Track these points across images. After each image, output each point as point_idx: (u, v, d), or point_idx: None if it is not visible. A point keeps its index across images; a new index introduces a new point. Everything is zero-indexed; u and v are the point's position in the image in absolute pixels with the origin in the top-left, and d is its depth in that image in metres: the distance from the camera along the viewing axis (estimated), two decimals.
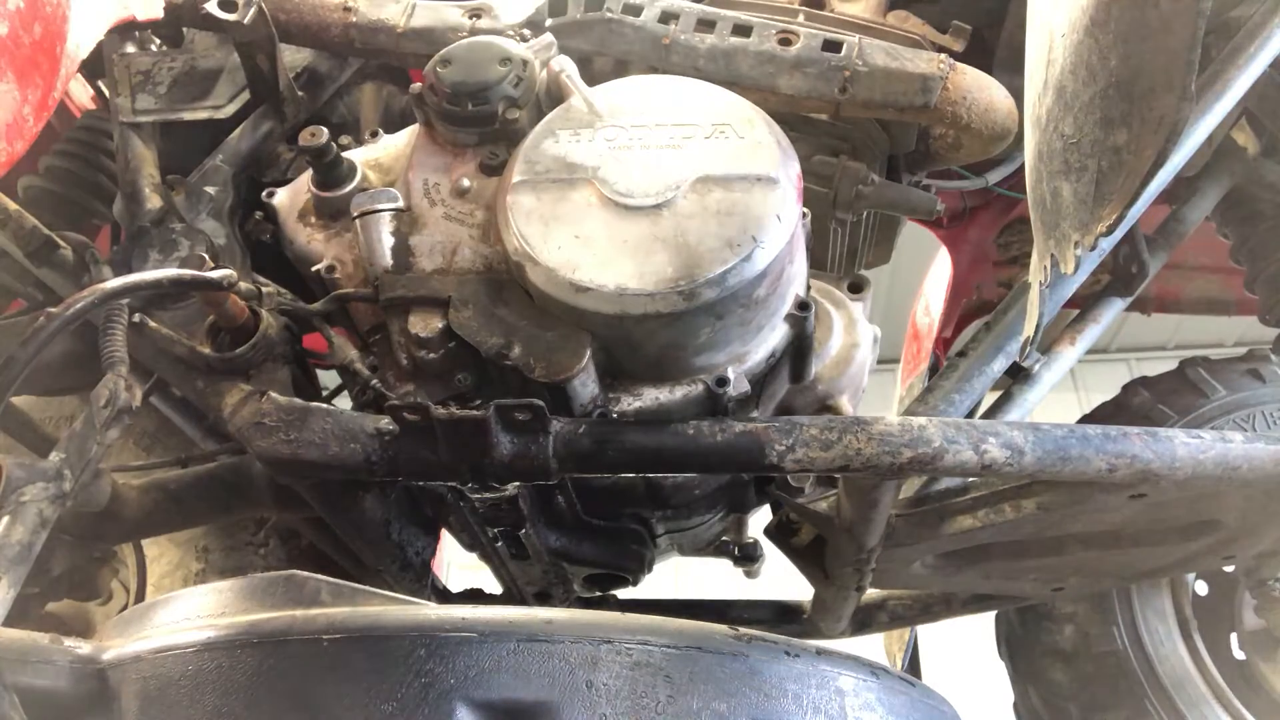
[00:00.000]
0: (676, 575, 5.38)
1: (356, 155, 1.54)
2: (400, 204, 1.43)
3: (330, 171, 1.48)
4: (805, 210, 1.39)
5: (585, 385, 1.30)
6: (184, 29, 1.78)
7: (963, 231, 2.62)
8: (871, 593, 1.99)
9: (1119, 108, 1.13)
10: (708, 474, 1.60)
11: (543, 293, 1.29)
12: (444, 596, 1.91)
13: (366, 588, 1.06)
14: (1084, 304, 2.26)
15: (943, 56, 1.58)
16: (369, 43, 1.72)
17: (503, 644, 0.94)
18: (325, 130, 1.46)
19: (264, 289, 1.47)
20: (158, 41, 1.81)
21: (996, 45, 1.94)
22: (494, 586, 2.00)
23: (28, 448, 1.82)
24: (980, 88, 1.56)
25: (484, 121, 1.45)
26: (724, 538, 2.03)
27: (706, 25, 1.61)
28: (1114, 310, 2.25)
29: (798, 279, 1.40)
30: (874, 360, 1.60)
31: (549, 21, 1.65)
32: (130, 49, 1.74)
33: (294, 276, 1.54)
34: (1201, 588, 2.24)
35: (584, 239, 1.28)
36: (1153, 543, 1.75)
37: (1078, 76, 1.19)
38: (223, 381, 1.40)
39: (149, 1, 1.70)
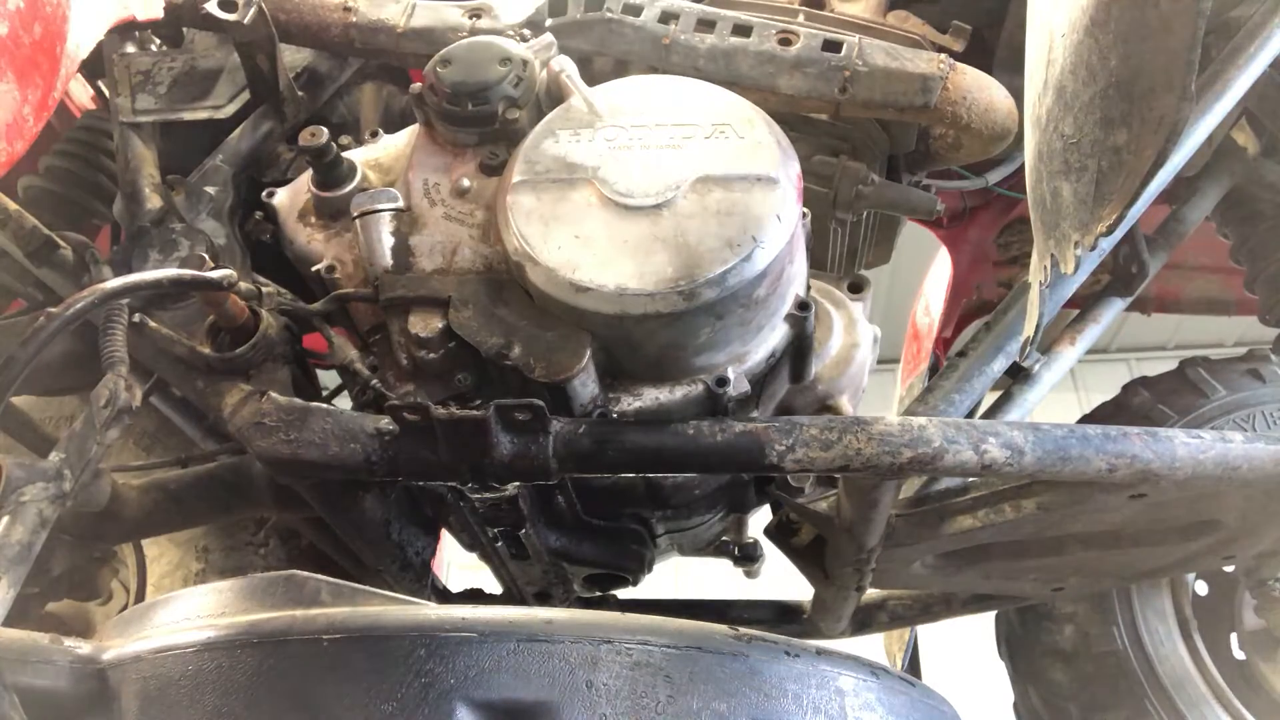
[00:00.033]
0: (676, 575, 5.38)
1: (356, 155, 1.54)
2: (400, 204, 1.43)
3: (330, 171, 1.48)
4: (805, 210, 1.39)
5: (585, 385, 1.30)
6: (184, 29, 1.78)
7: (963, 231, 2.62)
8: (871, 593, 1.99)
9: (1119, 108, 1.13)
10: (708, 474, 1.60)
11: (543, 293, 1.29)
12: (444, 596, 1.91)
13: (366, 588, 1.06)
14: (1084, 304, 2.26)
15: (943, 56, 1.58)
16: (369, 43, 1.72)
17: (503, 644, 0.94)
18: (325, 130, 1.46)
19: (264, 289, 1.47)
20: (158, 41, 1.81)
21: (996, 45, 1.94)
22: (494, 586, 2.00)
23: (28, 448, 1.82)
24: (980, 88, 1.56)
25: (484, 121, 1.45)
26: (724, 538, 2.03)
27: (706, 25, 1.61)
28: (1114, 310, 2.25)
29: (798, 279, 1.40)
30: (874, 360, 1.60)
31: (549, 21, 1.65)
32: (130, 49, 1.74)
33: (294, 276, 1.54)
34: (1201, 588, 2.24)
35: (584, 239, 1.28)
36: (1153, 543, 1.75)
37: (1078, 76, 1.19)
38: (223, 381, 1.40)
39: (149, 1, 1.70)
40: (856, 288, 1.64)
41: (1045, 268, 1.32)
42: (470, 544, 1.77)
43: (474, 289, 1.36)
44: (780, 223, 1.28)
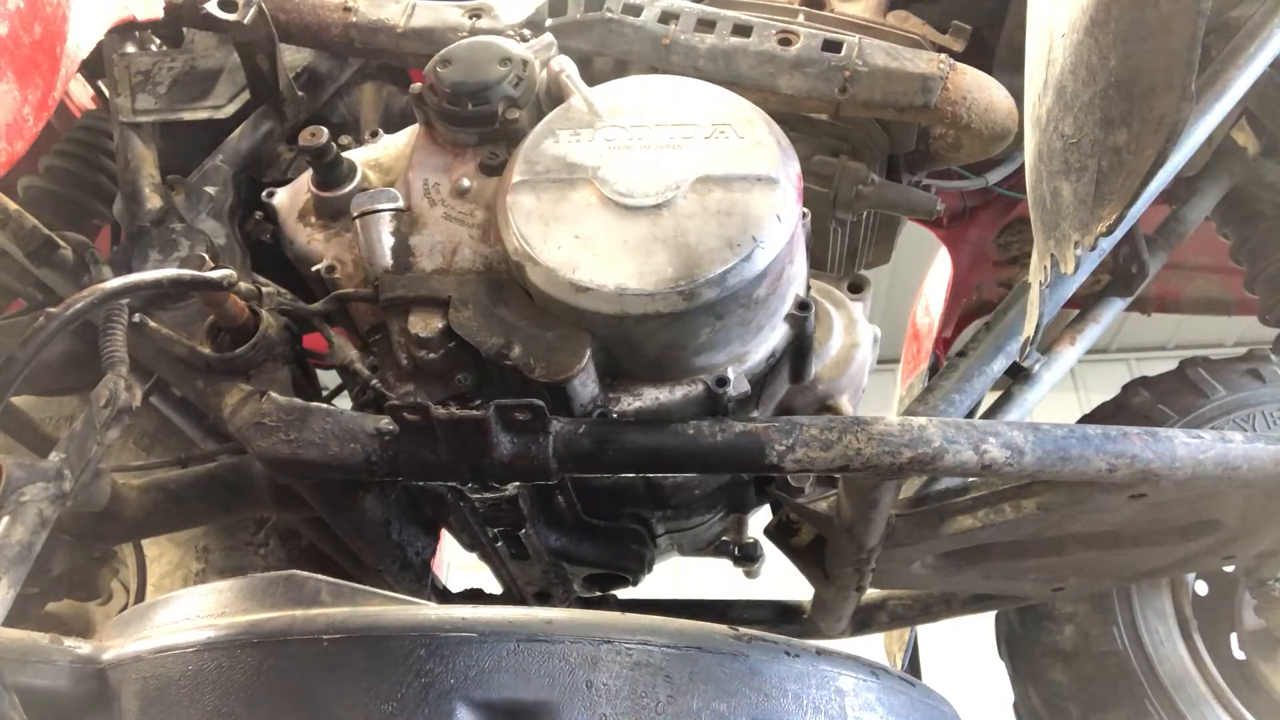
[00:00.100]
0: (676, 575, 5.38)
1: (356, 155, 1.54)
2: (400, 204, 1.43)
3: (330, 171, 1.48)
4: (805, 210, 1.39)
5: (585, 385, 1.30)
6: (184, 29, 1.78)
7: (963, 231, 2.62)
8: (871, 593, 1.99)
9: (1119, 108, 1.13)
10: (708, 474, 1.60)
11: (543, 293, 1.29)
12: (444, 596, 1.91)
13: (366, 588, 1.06)
14: (1084, 304, 2.26)
15: (943, 56, 1.58)
16: (369, 43, 1.72)
17: (503, 644, 0.94)
18: (325, 130, 1.46)
19: (264, 289, 1.47)
20: (158, 41, 1.81)
21: (996, 45, 1.94)
22: (494, 586, 2.00)
23: (28, 448, 1.82)
24: (980, 88, 1.56)
25: (484, 121, 1.45)
26: (724, 538, 2.03)
27: (706, 25, 1.61)
28: (1114, 310, 2.25)
29: (798, 279, 1.40)
30: (874, 360, 1.60)
31: (549, 21, 1.65)
32: (130, 49, 1.74)
33: (294, 276, 1.54)
34: (1201, 588, 2.24)
35: (584, 239, 1.28)
36: (1153, 543, 1.75)
37: (1078, 76, 1.19)
38: (223, 381, 1.40)
39: (149, 1, 1.70)
40: (856, 288, 1.64)
41: (1045, 268, 1.32)
42: (470, 544, 1.77)
43: (474, 289, 1.36)
44: (780, 223, 1.28)
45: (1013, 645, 2.28)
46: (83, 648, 0.98)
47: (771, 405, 1.50)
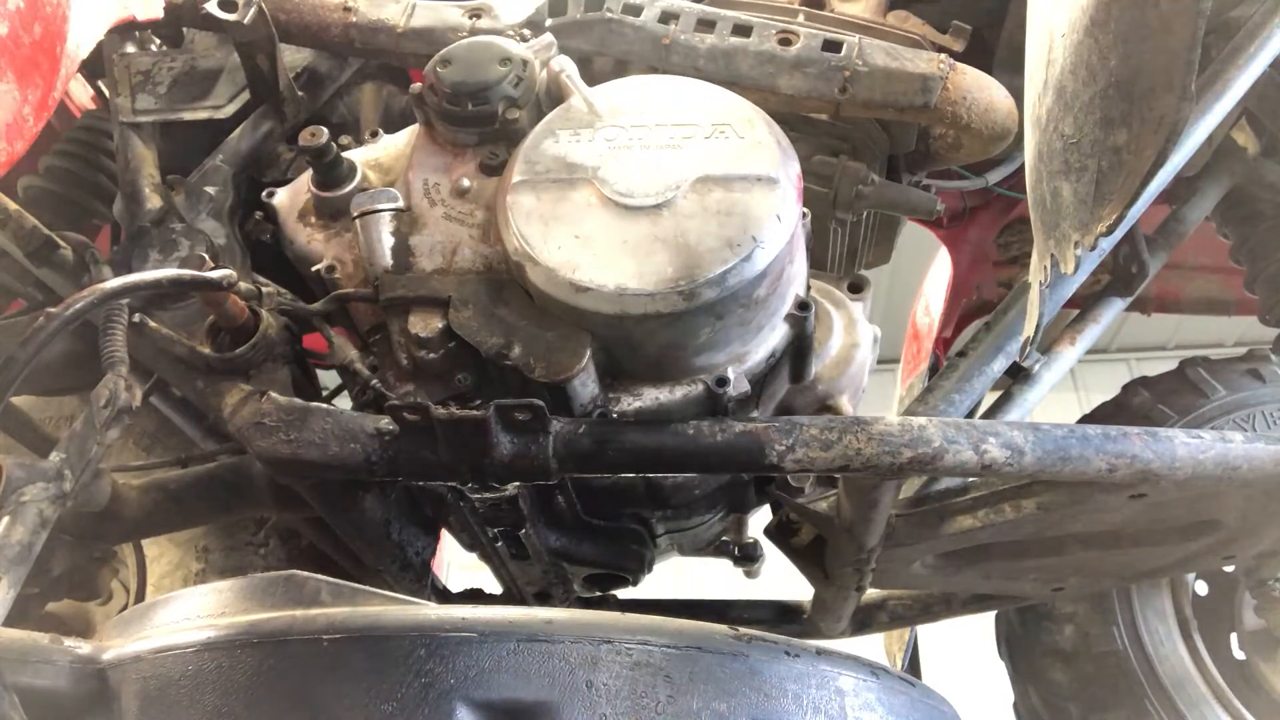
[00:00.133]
0: (676, 575, 5.38)
1: (356, 155, 1.54)
2: (400, 204, 1.43)
3: (330, 171, 1.48)
4: (805, 210, 1.39)
5: (585, 385, 1.30)
6: (184, 29, 1.78)
7: (963, 231, 2.62)
8: (871, 593, 1.99)
9: (1119, 108, 1.13)
10: (708, 474, 1.60)
11: (543, 293, 1.29)
12: (444, 596, 1.91)
13: (366, 588, 1.06)
14: (1084, 304, 2.26)
15: (943, 56, 1.58)
16: (369, 43, 1.72)
17: (503, 644, 0.94)
18: (325, 130, 1.46)
19: (264, 289, 1.47)
20: (158, 41, 1.81)
21: (996, 45, 1.94)
22: (494, 586, 2.00)
23: (28, 448, 1.82)
24: (980, 88, 1.56)
25: (484, 121, 1.45)
26: (724, 538, 2.03)
27: (706, 25, 1.61)
28: (1114, 310, 2.25)
29: (798, 279, 1.40)
30: (874, 360, 1.60)
31: (549, 21, 1.65)
32: (130, 49, 1.74)
33: (294, 276, 1.54)
34: (1201, 588, 2.24)
35: (584, 239, 1.28)
36: (1153, 543, 1.75)
37: (1078, 76, 1.19)
38: (223, 381, 1.40)
39: (149, 1, 1.70)
40: (856, 288, 1.64)
41: (1045, 268, 1.32)
42: (470, 544, 1.77)
43: (474, 289, 1.36)
44: (780, 223, 1.28)
45: (1013, 645, 2.28)
46: (83, 648, 0.98)
47: (771, 405, 1.50)
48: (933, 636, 2.94)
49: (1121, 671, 2.09)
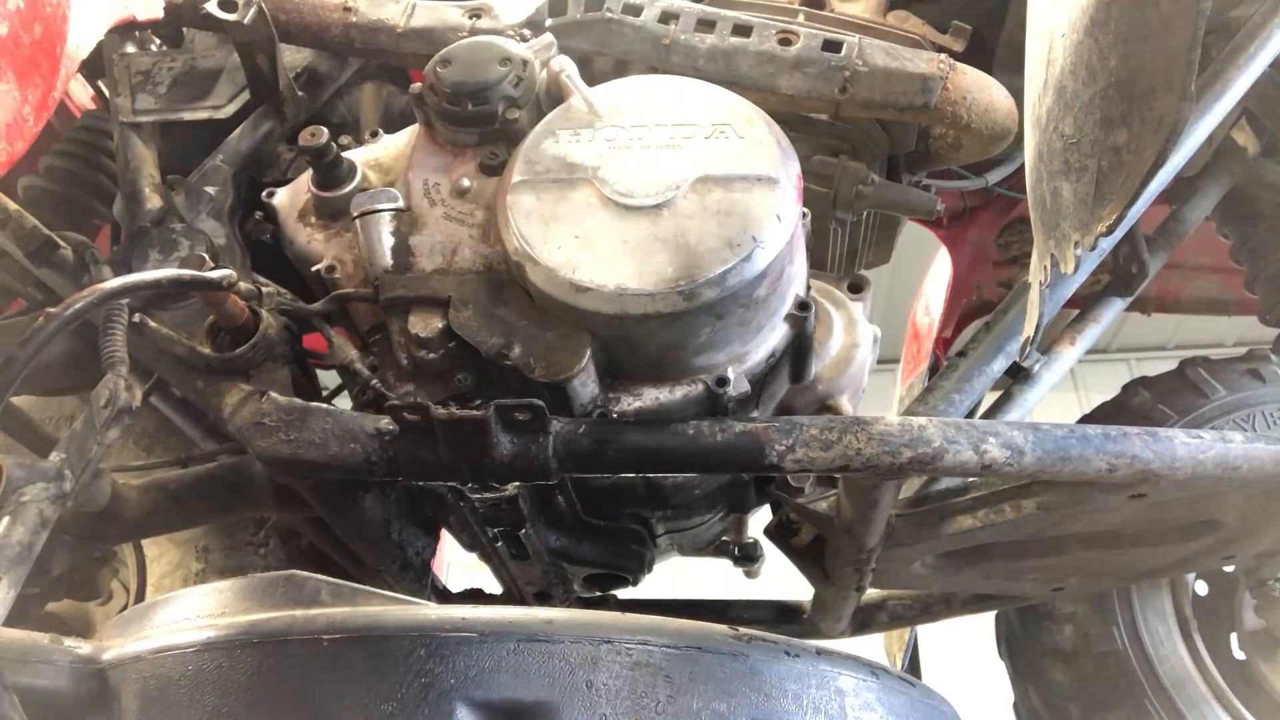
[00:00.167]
0: (676, 575, 5.38)
1: (356, 155, 1.54)
2: (400, 204, 1.43)
3: (330, 171, 1.48)
4: (805, 210, 1.39)
5: (585, 385, 1.30)
6: (184, 29, 1.78)
7: (963, 231, 2.62)
8: (871, 593, 1.99)
9: (1119, 108, 1.13)
10: (708, 474, 1.60)
11: (543, 293, 1.29)
12: (444, 596, 1.91)
13: (366, 588, 1.06)
14: (1084, 304, 2.26)
15: (943, 56, 1.58)
16: (369, 43, 1.72)
17: (503, 644, 0.94)
18: (325, 130, 1.46)
19: (264, 289, 1.47)
20: (158, 41, 1.81)
21: (996, 45, 1.94)
22: (494, 586, 2.00)
23: (28, 448, 1.82)
24: (980, 88, 1.56)
25: (484, 121, 1.45)
26: (724, 538, 2.03)
27: (706, 25, 1.61)
28: (1114, 310, 2.25)
29: (798, 279, 1.40)
30: (874, 360, 1.60)
31: (549, 21, 1.65)
32: (130, 49, 1.74)
33: (294, 276, 1.54)
34: (1201, 588, 2.24)
35: (584, 239, 1.28)
36: (1153, 543, 1.75)
37: (1078, 76, 1.19)
38: (223, 381, 1.40)
39: (149, 1, 1.70)
40: (856, 288, 1.64)
41: (1045, 268, 1.32)
42: (470, 544, 1.77)
43: (474, 289, 1.36)
44: (780, 223, 1.28)
45: (1013, 645, 2.28)
46: (83, 648, 0.98)
47: (771, 405, 1.50)
48: (933, 636, 2.94)
49: (1121, 671, 2.09)
